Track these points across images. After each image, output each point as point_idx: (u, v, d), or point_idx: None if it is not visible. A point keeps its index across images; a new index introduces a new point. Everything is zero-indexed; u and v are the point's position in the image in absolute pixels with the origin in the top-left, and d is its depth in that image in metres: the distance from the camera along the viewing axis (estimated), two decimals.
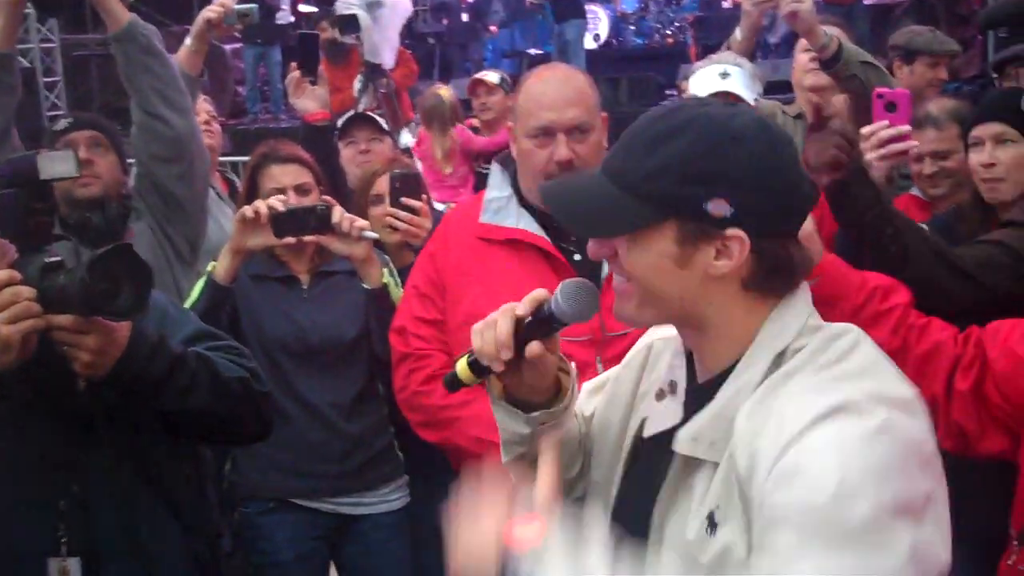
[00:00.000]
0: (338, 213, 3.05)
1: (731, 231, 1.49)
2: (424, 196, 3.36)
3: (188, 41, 3.73)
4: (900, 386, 1.47)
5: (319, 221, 3.03)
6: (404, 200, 3.29)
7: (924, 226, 3.17)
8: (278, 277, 3.31)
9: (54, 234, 2.15)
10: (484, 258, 2.74)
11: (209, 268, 3.09)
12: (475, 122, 7.20)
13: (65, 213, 3.24)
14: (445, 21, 15.92)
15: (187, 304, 3.05)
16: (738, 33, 3.93)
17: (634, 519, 1.60)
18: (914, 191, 3.79)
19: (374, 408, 3.30)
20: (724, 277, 1.51)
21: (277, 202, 3.03)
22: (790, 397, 1.44)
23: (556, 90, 2.71)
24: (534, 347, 1.61)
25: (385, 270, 3.18)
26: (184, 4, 14.71)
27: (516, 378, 1.68)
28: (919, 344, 2.39)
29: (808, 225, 1.99)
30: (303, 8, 15.84)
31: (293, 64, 3.86)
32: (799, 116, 4.20)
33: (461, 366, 1.69)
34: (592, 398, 1.84)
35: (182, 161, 3.37)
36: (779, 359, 1.51)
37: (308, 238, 3.08)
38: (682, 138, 1.51)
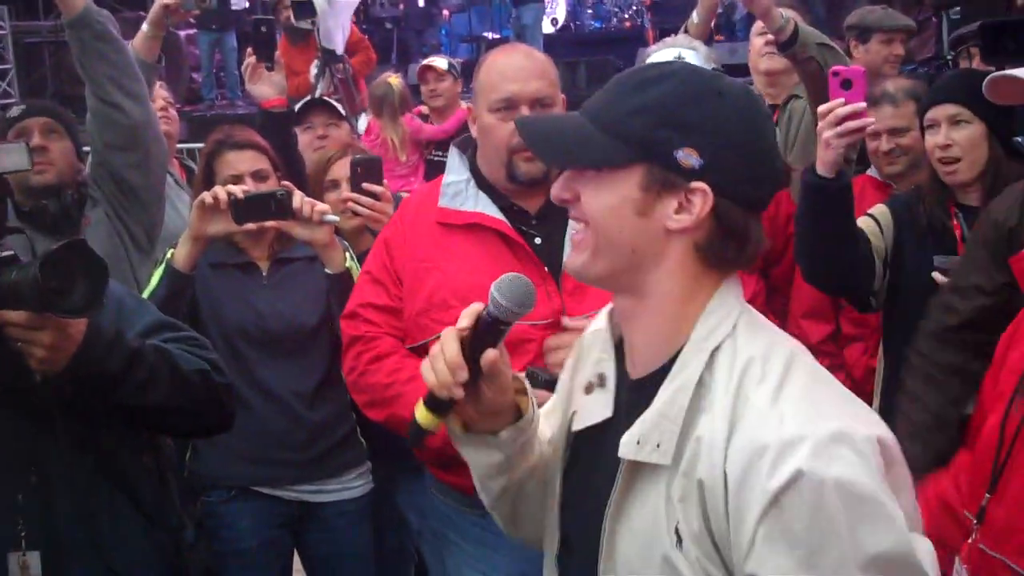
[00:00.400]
0: (299, 198, 3.02)
1: (696, 184, 1.47)
2: (385, 181, 3.35)
3: (145, 27, 3.69)
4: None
5: (279, 207, 3.00)
6: (366, 185, 3.27)
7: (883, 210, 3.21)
8: (237, 264, 3.28)
9: (7, 227, 2.12)
10: (443, 244, 2.72)
11: (168, 256, 3.06)
12: (424, 109, 7.14)
13: (20, 201, 3.21)
14: (402, 6, 15.86)
15: (146, 293, 3.02)
16: (695, 16, 3.94)
17: (580, 528, 1.60)
18: (870, 172, 3.83)
19: (336, 395, 3.27)
20: (680, 234, 1.50)
21: (236, 188, 3.00)
22: (758, 418, 1.42)
23: (519, 63, 2.71)
24: (490, 354, 1.58)
25: (347, 254, 3.15)
26: None
27: (476, 407, 1.64)
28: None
29: None
30: None
31: (249, 50, 3.82)
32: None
33: (419, 410, 1.64)
34: (547, 420, 1.81)
35: (138, 149, 3.33)
36: (714, 354, 1.49)
37: (269, 224, 3.05)
38: (667, 84, 1.51)
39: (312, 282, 3.20)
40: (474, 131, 2.79)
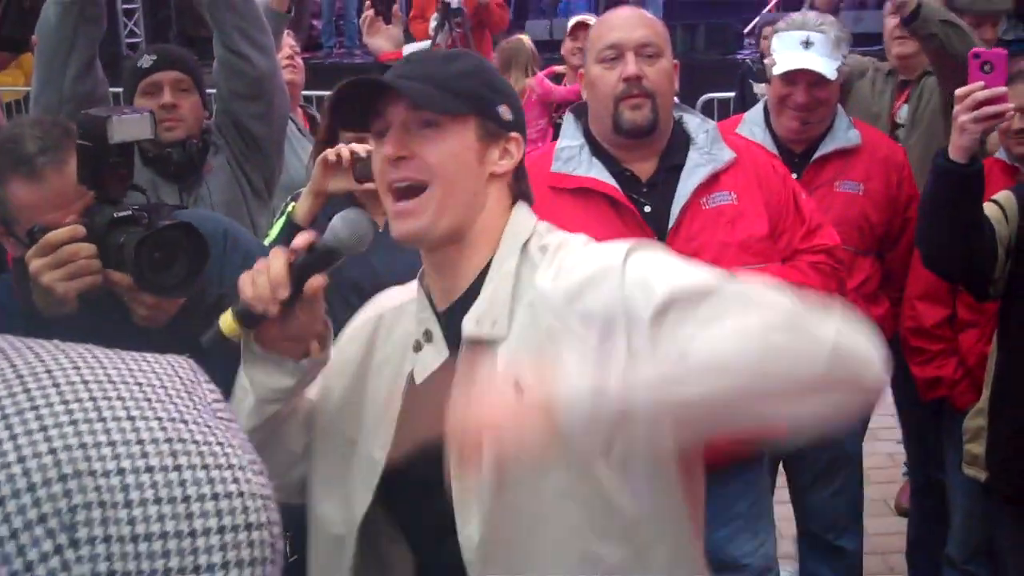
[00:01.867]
0: None
1: (514, 134, 1.76)
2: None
3: None
4: None
5: None
6: None
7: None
8: None
9: (131, 185, 2.18)
10: (554, 207, 2.71)
11: (288, 208, 3.12)
12: (558, 68, 7.07)
13: (146, 148, 3.28)
14: None
15: (266, 242, 3.08)
16: None
17: (422, 452, 1.63)
18: (999, 155, 3.73)
19: None
20: (500, 177, 1.75)
21: (360, 147, 3.04)
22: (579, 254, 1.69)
23: (624, 14, 2.83)
24: (316, 280, 1.66)
25: None
26: None
27: (282, 329, 1.70)
28: None
29: None
30: None
31: (368, 3, 3.84)
32: (890, 73, 4.20)
33: (226, 319, 1.67)
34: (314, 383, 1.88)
35: (262, 100, 3.37)
36: (524, 248, 1.72)
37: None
38: (464, 59, 1.78)
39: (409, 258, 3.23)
40: (584, 94, 2.81)
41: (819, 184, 3.46)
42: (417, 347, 1.76)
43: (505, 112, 1.74)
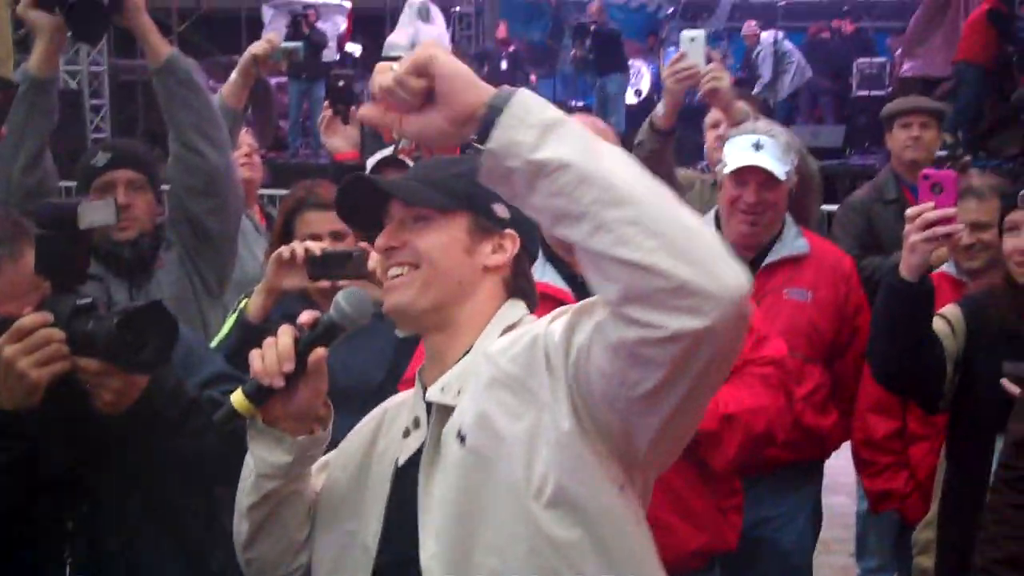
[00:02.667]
0: (373, 259, 3.05)
1: (509, 231, 1.85)
2: None
3: (233, 75, 3.76)
4: None
5: (354, 266, 3.03)
6: None
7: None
8: None
9: (88, 274, 2.19)
10: None
11: (241, 305, 3.10)
12: None
13: (97, 243, 3.27)
14: (485, 68, 16.04)
15: (217, 339, 3.07)
16: (660, 108, 3.91)
17: (404, 534, 1.75)
18: (946, 268, 3.78)
19: None
20: (495, 270, 1.84)
21: (314, 245, 3.04)
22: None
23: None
24: (320, 352, 1.78)
25: None
26: (233, 34, 14.89)
27: (285, 406, 1.81)
28: None
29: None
30: (350, 47, 16.05)
31: (326, 103, 3.90)
32: (714, 184, 4.19)
33: (237, 396, 1.78)
34: (320, 474, 1.99)
35: (216, 195, 3.38)
36: (507, 331, 1.79)
37: (342, 283, 3.08)
38: (468, 162, 1.75)
39: (381, 340, 3.21)
40: None
41: (768, 291, 3.48)
42: (406, 434, 1.85)
43: (500, 210, 1.84)
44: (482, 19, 19.62)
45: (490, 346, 1.76)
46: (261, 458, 1.84)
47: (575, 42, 15.71)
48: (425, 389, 1.82)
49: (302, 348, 1.76)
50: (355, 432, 1.99)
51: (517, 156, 1.47)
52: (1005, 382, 2.92)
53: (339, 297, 1.79)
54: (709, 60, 3.75)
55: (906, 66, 13.20)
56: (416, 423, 1.84)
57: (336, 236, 3.22)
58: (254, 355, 1.77)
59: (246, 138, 4.34)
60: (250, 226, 4.16)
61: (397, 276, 1.81)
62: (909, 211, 2.92)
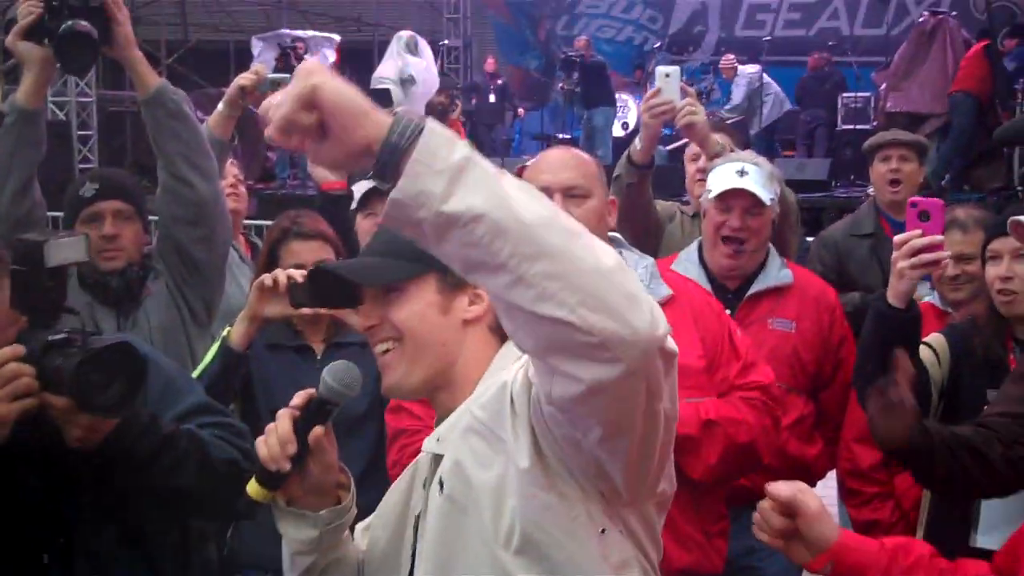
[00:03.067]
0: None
1: None
2: None
3: (220, 106, 3.77)
4: None
5: None
6: None
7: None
8: (293, 347, 3.33)
9: (64, 307, 2.18)
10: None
11: (224, 333, 3.11)
12: None
13: (84, 273, 3.28)
14: (474, 100, 16.12)
15: (200, 367, 3.07)
16: (637, 142, 3.93)
17: None
18: (931, 299, 3.80)
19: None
20: (476, 321, 1.84)
21: (296, 273, 3.05)
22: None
23: (555, 156, 2.93)
24: (316, 431, 1.81)
25: None
26: (221, 67, 14.94)
27: (302, 484, 1.85)
28: None
29: (815, 503, 2.09)
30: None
31: None
32: (695, 215, 4.24)
33: (251, 484, 1.84)
34: (364, 535, 2.03)
35: (204, 225, 3.39)
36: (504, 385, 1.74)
37: (324, 310, 3.08)
38: None
39: (364, 368, 3.21)
40: None
41: (752, 321, 3.50)
42: (425, 484, 1.85)
43: None
44: (470, 52, 19.74)
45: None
46: (291, 536, 1.88)
47: (563, 75, 15.80)
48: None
49: (300, 429, 1.81)
50: (394, 488, 2.00)
51: (426, 208, 1.39)
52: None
53: (324, 373, 1.84)
54: (684, 95, 3.78)
55: (891, 101, 13.28)
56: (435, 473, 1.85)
57: None
58: (259, 443, 1.82)
59: (232, 169, 4.35)
60: (235, 256, 4.16)
61: (386, 352, 1.85)
62: (897, 238, 2.93)
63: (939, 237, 2.88)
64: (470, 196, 1.38)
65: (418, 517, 1.85)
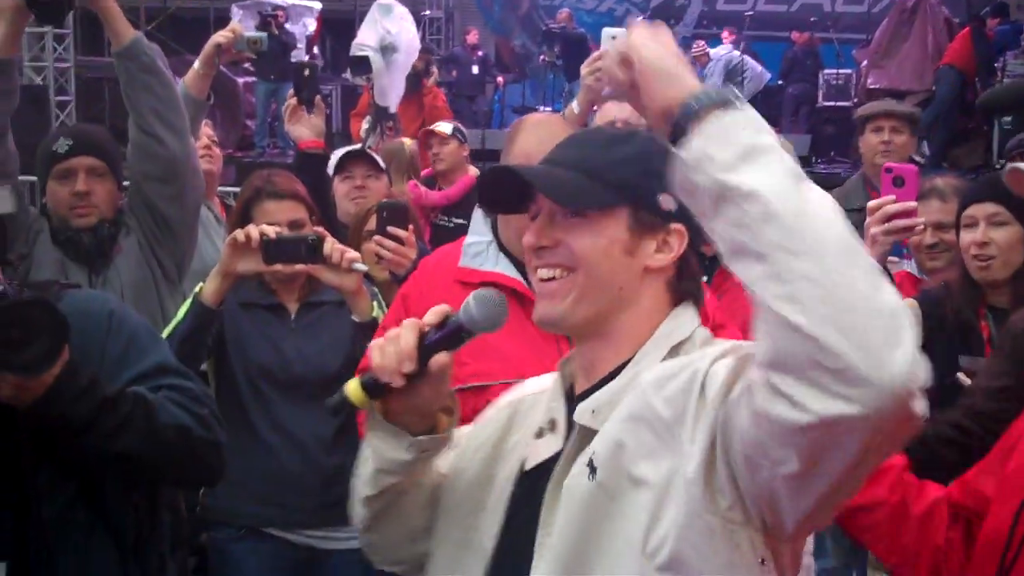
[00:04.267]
0: (329, 244, 3.04)
1: (675, 225, 1.63)
2: (411, 227, 3.36)
3: (196, 64, 3.75)
4: None
5: (310, 251, 3.02)
6: (390, 229, 3.28)
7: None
8: (266, 306, 3.31)
9: (4, 261, 2.13)
10: (461, 301, 2.72)
11: (196, 289, 3.09)
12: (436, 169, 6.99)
13: (57, 229, 3.25)
14: (454, 72, 16.05)
15: (171, 324, 3.05)
16: (575, 105, 3.82)
17: (521, 542, 1.62)
18: (907, 267, 3.82)
19: (355, 442, 3.24)
20: (657, 272, 1.64)
21: (269, 229, 3.03)
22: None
23: (544, 143, 2.68)
24: (442, 357, 1.62)
25: (374, 303, 3.16)
26: (200, 33, 14.81)
27: (405, 401, 1.66)
28: (917, 504, 2.35)
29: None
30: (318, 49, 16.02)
31: (291, 91, 3.88)
32: None
33: (353, 386, 1.64)
34: (448, 453, 1.82)
35: (175, 182, 3.37)
36: (675, 351, 1.61)
37: (298, 267, 3.07)
38: (634, 142, 1.67)
39: (339, 327, 3.21)
40: None
41: (729, 287, 3.49)
42: (539, 434, 1.70)
43: (666, 201, 1.61)
44: (452, 23, 19.64)
45: (648, 368, 1.58)
46: (380, 452, 1.70)
47: (544, 47, 15.75)
48: (570, 390, 1.70)
49: (425, 349, 1.62)
50: (489, 418, 1.84)
51: (707, 173, 1.35)
52: (960, 376, 2.95)
53: (470, 299, 1.64)
54: None
55: (872, 78, 13.30)
56: (552, 425, 1.69)
57: (295, 225, 3.23)
58: (374, 347, 1.63)
59: (206, 130, 4.33)
60: (210, 217, 4.15)
61: (550, 279, 1.65)
62: (870, 204, 2.92)
63: (912, 203, 2.87)
64: (754, 174, 1.33)
65: (527, 471, 1.69)
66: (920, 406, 1.29)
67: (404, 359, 1.60)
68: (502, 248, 2.76)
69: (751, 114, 1.40)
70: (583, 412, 1.60)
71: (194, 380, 2.36)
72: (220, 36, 3.71)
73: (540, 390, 1.79)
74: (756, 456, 1.39)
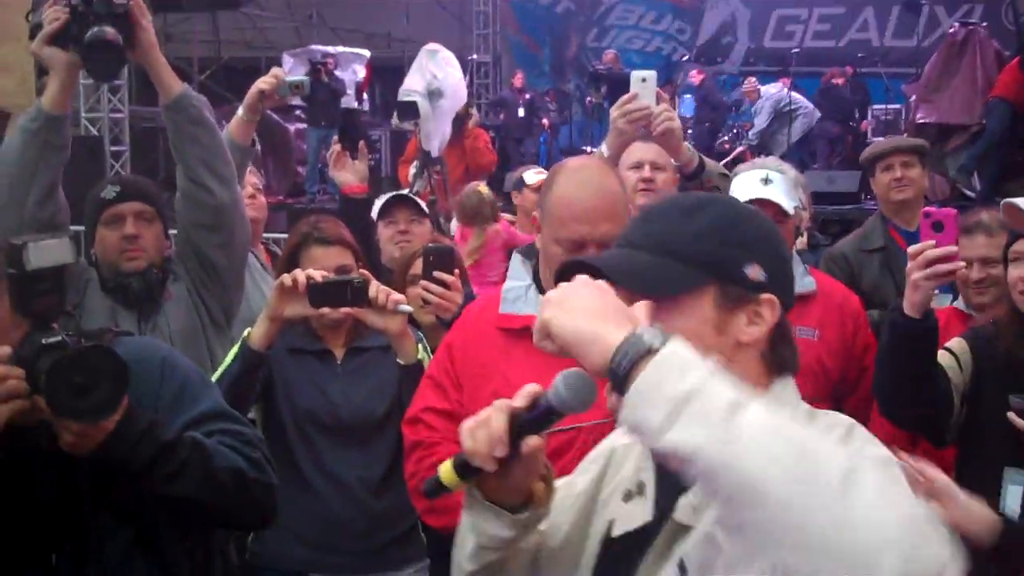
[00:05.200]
0: (374, 287, 3.07)
1: (765, 296, 1.57)
2: (456, 271, 3.37)
3: (240, 111, 3.80)
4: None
5: (355, 294, 3.05)
6: (436, 273, 3.31)
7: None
8: (313, 351, 3.34)
9: (61, 311, 2.16)
10: (504, 349, 2.71)
11: (244, 334, 3.12)
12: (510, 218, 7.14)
13: (107, 276, 3.31)
14: (502, 115, 16.16)
15: (220, 369, 3.08)
16: (604, 148, 3.84)
17: None
18: (957, 303, 3.77)
19: (402, 486, 3.27)
20: (750, 345, 1.58)
21: (316, 273, 3.06)
22: None
23: (590, 200, 2.63)
24: (533, 441, 1.56)
25: (420, 346, 3.17)
26: (252, 82, 15.01)
27: (498, 481, 1.63)
28: None
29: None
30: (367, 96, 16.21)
31: (335, 138, 3.93)
32: None
33: (445, 469, 1.62)
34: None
35: (223, 230, 3.42)
36: None
37: (343, 309, 3.09)
38: (710, 210, 1.61)
39: (385, 372, 3.24)
40: (538, 241, 2.77)
41: None
42: (627, 496, 1.68)
43: (755, 272, 1.56)
44: (499, 67, 19.80)
45: None
46: (481, 529, 1.67)
47: (590, 89, 15.80)
48: None
49: (516, 432, 1.58)
50: (579, 470, 1.81)
51: (646, 438, 1.31)
52: (1011, 415, 2.90)
53: (558, 379, 1.57)
54: (659, 100, 3.66)
55: (921, 112, 13.21)
56: (640, 489, 1.66)
57: (341, 271, 3.25)
58: (465, 430, 1.59)
59: (251, 178, 4.38)
60: (256, 263, 4.19)
61: None
62: (911, 249, 2.93)
63: (953, 248, 2.87)
64: (686, 430, 1.27)
65: (610, 528, 1.68)
66: None
67: (496, 444, 1.55)
68: (541, 290, 2.76)
69: (677, 354, 1.32)
70: (685, 508, 1.54)
71: (245, 424, 2.40)
72: (263, 82, 3.76)
73: (631, 443, 1.74)
74: None
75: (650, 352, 1.33)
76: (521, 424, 1.58)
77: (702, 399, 1.28)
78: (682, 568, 1.50)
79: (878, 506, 1.22)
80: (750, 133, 14.71)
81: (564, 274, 1.60)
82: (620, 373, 1.33)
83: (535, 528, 1.70)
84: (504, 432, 1.56)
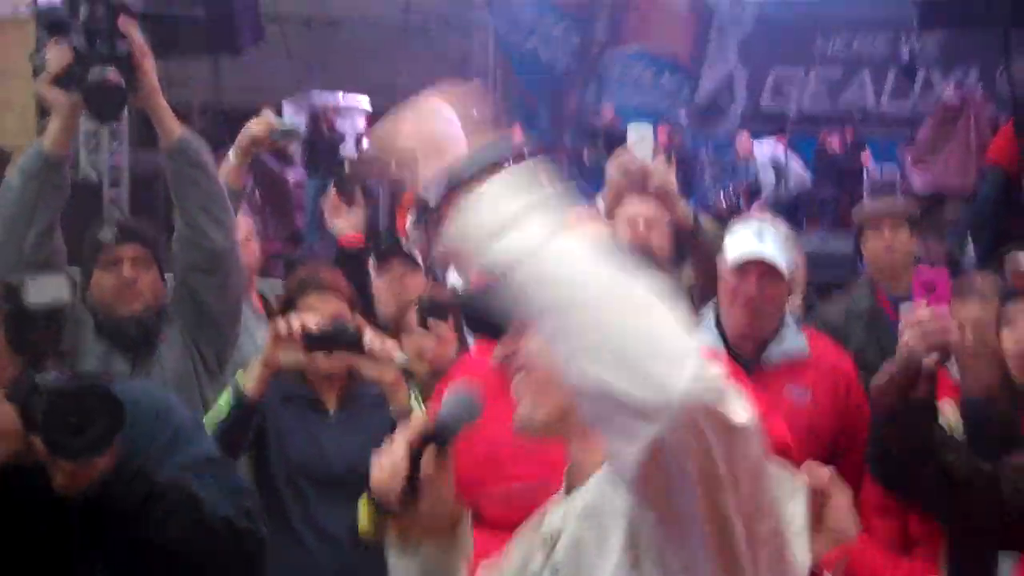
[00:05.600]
0: (369, 335, 3.07)
1: None
2: (450, 320, 3.37)
3: (230, 155, 3.83)
4: None
5: (350, 341, 3.05)
6: (431, 323, 3.31)
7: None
8: (307, 401, 3.34)
9: (55, 349, 2.17)
10: (503, 389, 2.72)
11: (236, 377, 3.11)
12: None
13: (102, 319, 3.30)
14: None
15: (211, 414, 3.07)
16: (600, 202, 3.80)
17: None
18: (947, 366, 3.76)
19: None
20: None
21: (311, 320, 3.06)
22: None
23: None
24: (426, 461, 1.64)
25: (412, 394, 3.17)
26: None
27: (413, 517, 1.69)
28: None
29: (847, 495, 2.06)
30: (367, 144, 16.24)
31: (332, 186, 3.94)
32: None
33: (361, 509, 1.71)
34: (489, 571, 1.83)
35: (218, 273, 3.42)
36: None
37: (337, 357, 3.09)
38: None
39: (378, 423, 3.21)
40: None
41: (766, 388, 3.46)
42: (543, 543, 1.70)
43: None
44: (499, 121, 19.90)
45: None
46: (397, 568, 1.76)
47: (588, 145, 15.89)
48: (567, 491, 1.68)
49: (414, 455, 1.65)
50: (515, 542, 1.80)
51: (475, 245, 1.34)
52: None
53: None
54: (656, 155, 3.67)
55: (917, 177, 13.29)
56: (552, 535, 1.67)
57: (337, 320, 3.25)
58: (373, 463, 1.68)
59: (244, 222, 4.38)
60: (248, 311, 4.19)
61: (518, 383, 1.67)
62: (903, 312, 2.92)
63: (944, 309, 2.87)
64: (512, 243, 1.31)
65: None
66: (738, 413, 1.26)
67: (396, 468, 1.64)
68: None
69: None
70: (553, 520, 1.61)
71: (237, 473, 2.39)
72: (254, 127, 3.79)
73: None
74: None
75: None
76: (418, 450, 1.66)
77: (532, 217, 1.32)
78: (555, 571, 1.55)
79: (676, 323, 1.27)
80: (763, 195, 14.73)
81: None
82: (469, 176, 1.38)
83: (447, 565, 1.74)
84: (402, 457, 1.64)
